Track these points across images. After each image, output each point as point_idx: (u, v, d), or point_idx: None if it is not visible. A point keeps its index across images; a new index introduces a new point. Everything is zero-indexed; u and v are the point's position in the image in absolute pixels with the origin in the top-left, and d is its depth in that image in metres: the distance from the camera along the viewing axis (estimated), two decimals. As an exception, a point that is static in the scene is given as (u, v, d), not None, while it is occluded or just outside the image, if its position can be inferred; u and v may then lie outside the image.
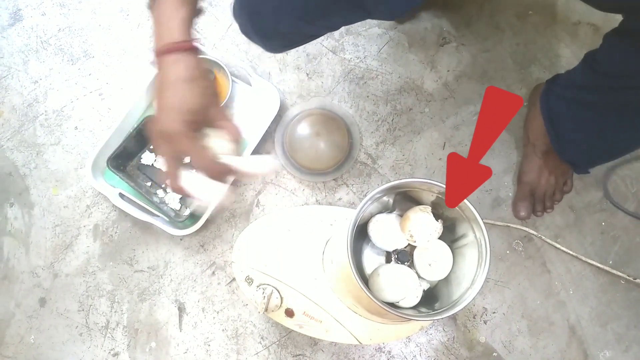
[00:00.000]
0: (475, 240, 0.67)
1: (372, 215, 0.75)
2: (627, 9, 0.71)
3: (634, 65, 0.75)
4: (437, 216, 0.70)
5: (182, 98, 0.57)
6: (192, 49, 0.60)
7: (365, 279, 0.76)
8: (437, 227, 0.69)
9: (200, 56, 0.61)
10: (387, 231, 0.74)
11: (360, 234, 0.76)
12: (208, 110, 0.59)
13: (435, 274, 0.72)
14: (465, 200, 0.64)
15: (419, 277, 0.73)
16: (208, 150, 0.59)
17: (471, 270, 0.67)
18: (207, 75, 0.60)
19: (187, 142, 0.56)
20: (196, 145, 0.57)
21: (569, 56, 1.15)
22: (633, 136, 0.87)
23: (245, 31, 0.81)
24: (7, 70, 1.14)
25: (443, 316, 0.63)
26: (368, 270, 0.77)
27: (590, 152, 0.96)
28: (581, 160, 0.99)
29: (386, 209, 0.76)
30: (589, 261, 1.04)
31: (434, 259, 0.71)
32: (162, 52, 0.58)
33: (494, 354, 1.02)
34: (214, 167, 0.57)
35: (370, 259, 0.80)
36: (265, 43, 0.83)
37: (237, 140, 0.61)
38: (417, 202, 0.73)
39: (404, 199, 0.73)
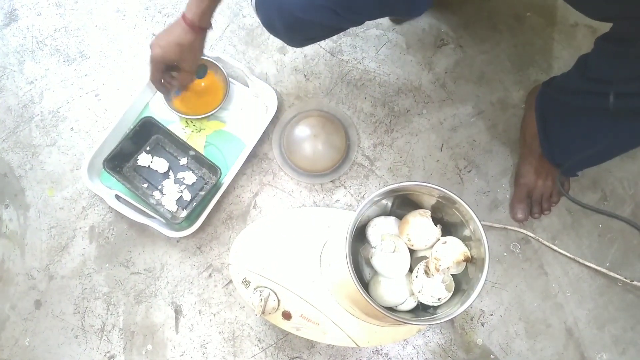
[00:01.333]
0: (474, 244, 0.66)
1: (370, 219, 0.74)
2: (617, 17, 0.71)
3: (621, 71, 0.75)
4: (436, 221, 0.69)
5: (173, 46, 0.91)
6: (200, 30, 0.90)
7: (363, 283, 0.75)
8: (436, 232, 0.68)
9: (204, 37, 0.93)
10: (385, 234, 0.73)
11: (359, 236, 0.76)
12: (182, 62, 0.96)
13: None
14: (464, 204, 0.63)
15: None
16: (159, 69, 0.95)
17: (470, 273, 0.67)
18: (193, 49, 0.93)
19: (158, 66, 0.94)
20: (159, 69, 0.95)
21: (566, 58, 1.15)
22: (620, 141, 0.87)
23: (269, 24, 0.83)
24: (2, 70, 1.13)
25: (442, 320, 0.63)
26: (366, 273, 0.77)
27: (577, 155, 0.96)
28: (569, 164, 0.99)
29: (385, 212, 0.76)
30: (586, 263, 1.04)
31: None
32: (184, 21, 0.88)
33: (492, 356, 1.01)
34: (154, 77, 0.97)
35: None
36: (290, 36, 0.86)
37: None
38: (417, 205, 0.73)
39: (403, 202, 0.73)
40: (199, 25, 0.88)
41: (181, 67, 0.97)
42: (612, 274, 1.03)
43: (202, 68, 1.07)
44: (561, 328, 1.03)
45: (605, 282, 1.05)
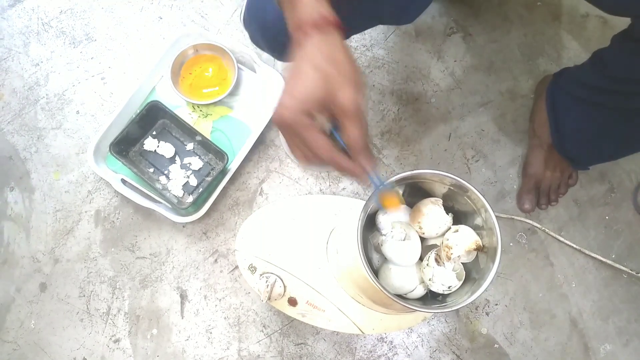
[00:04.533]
0: (486, 233, 0.66)
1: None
2: (635, 14, 0.70)
3: None
4: (447, 209, 0.69)
5: (305, 85, 0.50)
6: (336, 26, 0.52)
7: (372, 270, 0.75)
8: (447, 220, 0.68)
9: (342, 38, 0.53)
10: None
11: (368, 224, 0.76)
12: (333, 99, 0.50)
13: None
14: (477, 192, 0.63)
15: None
16: (323, 139, 0.51)
17: (481, 262, 0.67)
18: (348, 59, 0.52)
19: (303, 131, 0.51)
20: (311, 134, 0.51)
21: (576, 49, 1.14)
22: (635, 140, 0.87)
23: (255, 41, 0.85)
24: (7, 52, 1.12)
25: (452, 309, 0.63)
26: (375, 260, 0.77)
27: (590, 150, 0.97)
28: (580, 157, 0.99)
29: (395, 200, 0.76)
30: (592, 255, 1.04)
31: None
32: (305, 27, 0.51)
33: (496, 345, 1.02)
34: (330, 159, 0.52)
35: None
36: (275, 55, 0.87)
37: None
38: (428, 194, 0.72)
39: (414, 191, 0.73)
40: (331, 20, 0.52)
41: (336, 106, 0.51)
42: (617, 265, 1.04)
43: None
44: (566, 319, 1.03)
45: (611, 273, 1.05)
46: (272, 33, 0.75)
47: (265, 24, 0.75)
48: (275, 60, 1.11)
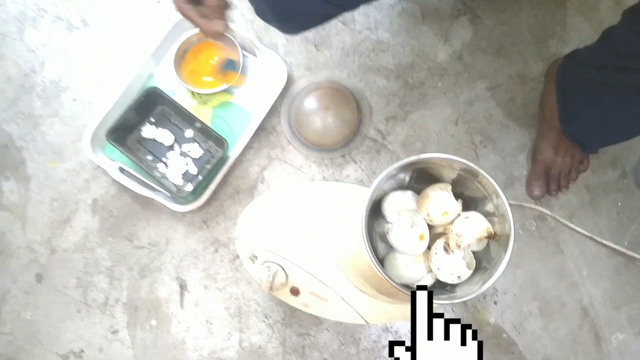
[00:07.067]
0: (497, 220, 0.64)
1: (386, 193, 0.72)
2: None
3: None
4: (456, 196, 0.67)
5: None
6: None
7: (378, 259, 0.73)
8: (457, 206, 0.65)
9: None
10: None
11: (373, 212, 0.73)
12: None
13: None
14: (488, 177, 0.60)
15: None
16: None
17: (492, 251, 0.64)
18: None
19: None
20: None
21: (588, 30, 1.11)
22: None
23: (261, 13, 0.82)
24: (2, 38, 1.09)
25: (462, 299, 0.61)
26: (380, 249, 0.74)
27: (598, 133, 0.94)
28: (588, 141, 0.97)
29: (402, 187, 0.73)
30: (604, 242, 1.02)
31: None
32: None
33: (504, 335, 1.00)
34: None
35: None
36: (282, 25, 0.84)
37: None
38: (436, 179, 0.70)
39: (421, 177, 0.70)
40: None
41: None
42: (630, 253, 1.01)
43: (233, 63, 1.02)
44: (576, 307, 1.01)
45: (623, 261, 1.03)
46: (283, 4, 0.74)
47: None
48: (277, 44, 1.08)
